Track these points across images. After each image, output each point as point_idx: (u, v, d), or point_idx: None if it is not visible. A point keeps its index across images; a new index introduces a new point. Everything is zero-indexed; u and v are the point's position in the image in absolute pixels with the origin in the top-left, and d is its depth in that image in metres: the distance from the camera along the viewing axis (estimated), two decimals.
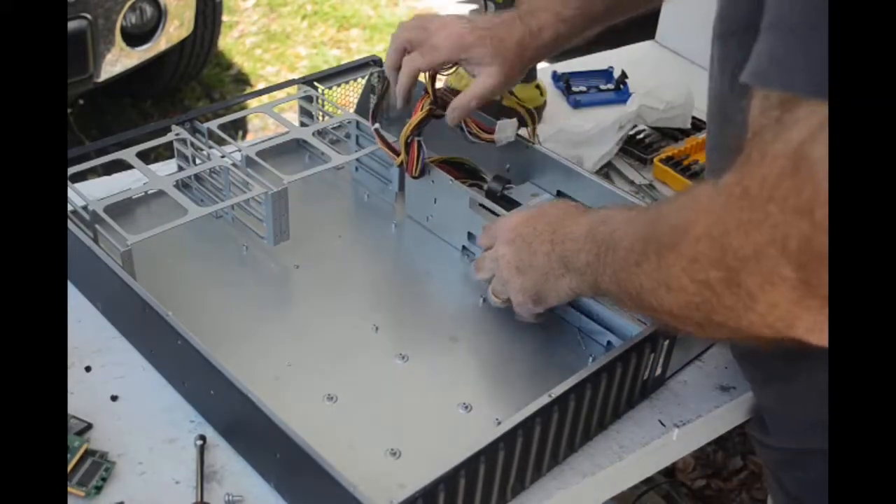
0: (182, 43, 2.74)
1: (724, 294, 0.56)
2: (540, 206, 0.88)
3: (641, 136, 1.26)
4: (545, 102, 1.29)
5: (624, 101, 1.34)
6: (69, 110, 2.66)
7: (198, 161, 1.02)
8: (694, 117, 1.28)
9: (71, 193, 0.91)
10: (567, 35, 0.99)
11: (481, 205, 0.97)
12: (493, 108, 1.24)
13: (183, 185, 1.03)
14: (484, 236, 0.92)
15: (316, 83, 1.13)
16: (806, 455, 0.79)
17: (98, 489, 0.74)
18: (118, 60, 2.48)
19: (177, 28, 2.64)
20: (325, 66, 2.79)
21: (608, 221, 0.75)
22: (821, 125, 0.48)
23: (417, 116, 0.98)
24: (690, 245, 0.58)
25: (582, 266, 0.77)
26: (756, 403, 0.89)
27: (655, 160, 1.20)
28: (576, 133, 1.19)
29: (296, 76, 1.19)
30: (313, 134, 1.05)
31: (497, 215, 0.95)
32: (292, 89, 1.12)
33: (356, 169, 1.12)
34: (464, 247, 1.01)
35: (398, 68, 0.99)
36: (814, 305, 0.51)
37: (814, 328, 0.52)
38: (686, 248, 0.59)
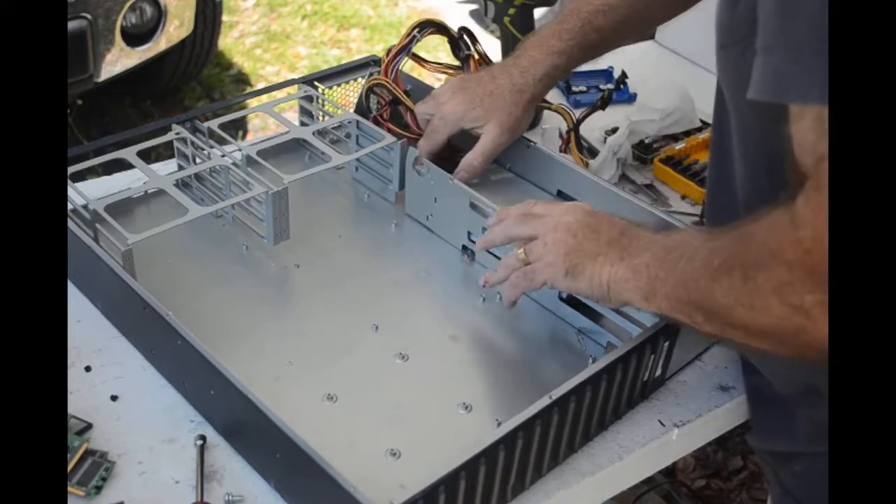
0: (182, 43, 2.73)
1: (819, 318, 0.59)
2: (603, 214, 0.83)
3: (643, 137, 1.26)
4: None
5: (624, 101, 1.34)
6: (69, 110, 2.66)
7: (198, 160, 1.02)
8: (701, 120, 1.27)
9: (71, 193, 0.90)
10: (565, 66, 1.02)
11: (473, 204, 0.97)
12: None
13: (183, 185, 1.02)
14: (501, 231, 0.88)
15: (316, 83, 1.13)
16: (800, 454, 0.80)
17: (98, 489, 0.74)
18: (118, 60, 2.47)
19: (177, 28, 2.64)
20: (325, 66, 2.79)
21: (681, 235, 0.77)
22: None
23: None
24: (783, 270, 0.61)
25: (639, 264, 0.75)
26: (748, 409, 0.89)
27: (655, 160, 1.20)
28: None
29: (296, 76, 1.19)
30: (313, 133, 1.05)
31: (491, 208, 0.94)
32: (292, 89, 1.12)
33: (356, 169, 1.12)
34: (464, 246, 1.01)
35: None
36: None
37: None
38: (778, 272, 0.62)
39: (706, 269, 0.69)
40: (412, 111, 1.07)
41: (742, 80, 0.64)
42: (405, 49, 1.07)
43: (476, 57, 1.11)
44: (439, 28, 1.08)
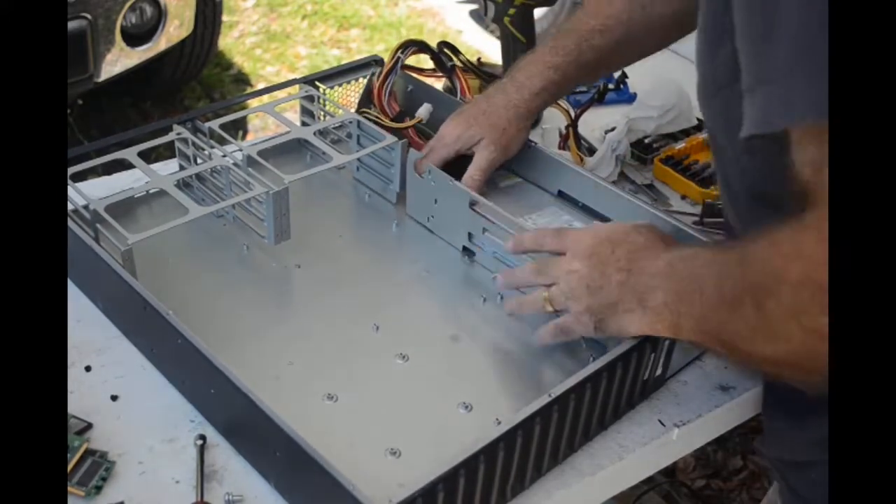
0: (182, 43, 2.74)
1: None
2: (624, 228, 0.84)
3: (641, 136, 1.26)
4: None
5: (624, 101, 1.34)
6: (69, 110, 2.66)
7: (199, 160, 1.02)
8: (698, 118, 1.27)
9: (72, 193, 0.91)
10: (560, 82, 1.02)
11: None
12: None
13: (184, 185, 1.03)
14: (532, 239, 0.88)
15: (317, 83, 1.13)
16: (816, 463, 0.80)
17: (98, 489, 0.74)
18: (118, 60, 2.48)
19: (177, 28, 2.64)
20: (325, 66, 2.80)
21: (689, 260, 0.75)
22: None
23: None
24: (791, 293, 0.59)
25: (658, 305, 0.75)
26: (762, 420, 0.89)
27: (655, 160, 1.20)
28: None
29: (296, 76, 1.19)
30: (314, 133, 1.05)
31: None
32: (293, 89, 1.13)
33: (357, 169, 1.12)
34: (464, 247, 1.01)
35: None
36: None
37: None
38: (787, 296, 0.60)
39: (720, 302, 0.68)
40: (410, 126, 1.10)
41: (732, 123, 0.65)
42: (392, 71, 1.12)
43: (459, 66, 1.17)
44: (421, 47, 1.14)
